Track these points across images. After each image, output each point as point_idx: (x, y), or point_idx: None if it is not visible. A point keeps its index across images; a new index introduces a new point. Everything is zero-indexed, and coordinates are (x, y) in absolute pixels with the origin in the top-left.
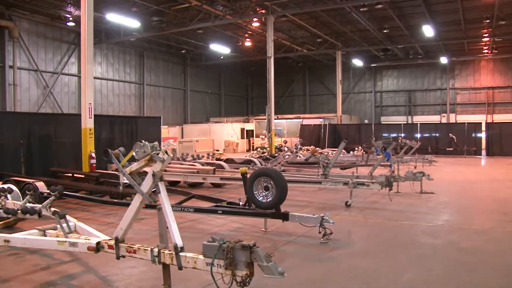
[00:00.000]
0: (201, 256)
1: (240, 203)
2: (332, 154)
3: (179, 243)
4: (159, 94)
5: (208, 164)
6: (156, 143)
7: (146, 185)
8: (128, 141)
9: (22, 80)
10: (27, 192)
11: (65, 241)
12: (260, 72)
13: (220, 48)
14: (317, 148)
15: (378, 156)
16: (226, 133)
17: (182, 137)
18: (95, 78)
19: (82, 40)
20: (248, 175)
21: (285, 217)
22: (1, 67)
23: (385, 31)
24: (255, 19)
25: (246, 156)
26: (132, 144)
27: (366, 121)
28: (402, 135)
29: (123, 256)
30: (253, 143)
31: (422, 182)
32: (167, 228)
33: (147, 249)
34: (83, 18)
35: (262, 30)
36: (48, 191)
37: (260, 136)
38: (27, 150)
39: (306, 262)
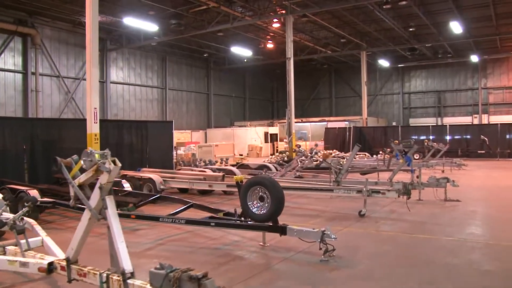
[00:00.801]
0: (149, 285)
1: (237, 214)
2: (354, 158)
3: (128, 268)
4: (182, 99)
5: (219, 170)
6: (106, 150)
7: (94, 199)
8: (138, 146)
9: (44, 86)
10: (3, 201)
11: (16, 261)
12: (285, 75)
13: (241, 51)
14: (336, 152)
15: (398, 161)
16: (250, 137)
17: (206, 142)
18: (117, 83)
19: (87, 43)
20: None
21: (282, 230)
22: (23, 74)
23: (411, 29)
24: (275, 20)
25: (264, 161)
26: (141, 150)
27: (394, 124)
28: (431, 137)
29: (75, 279)
30: (277, 147)
31: (446, 189)
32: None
33: (96, 273)
34: (88, 21)
35: (283, 31)
36: (43, 199)
37: (284, 140)
38: (31, 156)
39: (298, 286)
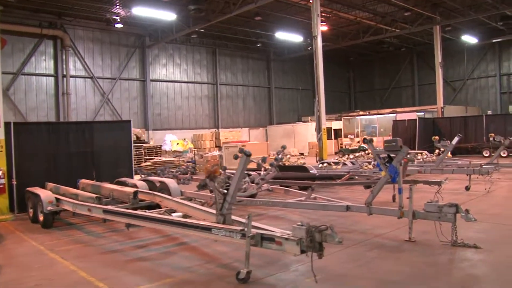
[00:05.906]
0: None
1: None
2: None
3: None
4: (237, 94)
5: (160, 182)
6: None
7: None
8: (80, 154)
9: (78, 88)
10: None
11: None
12: (363, 62)
13: (289, 36)
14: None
15: (379, 174)
16: (311, 133)
17: (267, 140)
18: (159, 81)
19: None
20: None
21: None
22: (54, 77)
23: None
24: None
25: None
26: (85, 158)
27: (489, 112)
28: None
29: None
30: (341, 144)
31: (455, 225)
32: None
33: None
34: None
35: (331, 9)
36: None
37: (349, 136)
38: None
39: None
